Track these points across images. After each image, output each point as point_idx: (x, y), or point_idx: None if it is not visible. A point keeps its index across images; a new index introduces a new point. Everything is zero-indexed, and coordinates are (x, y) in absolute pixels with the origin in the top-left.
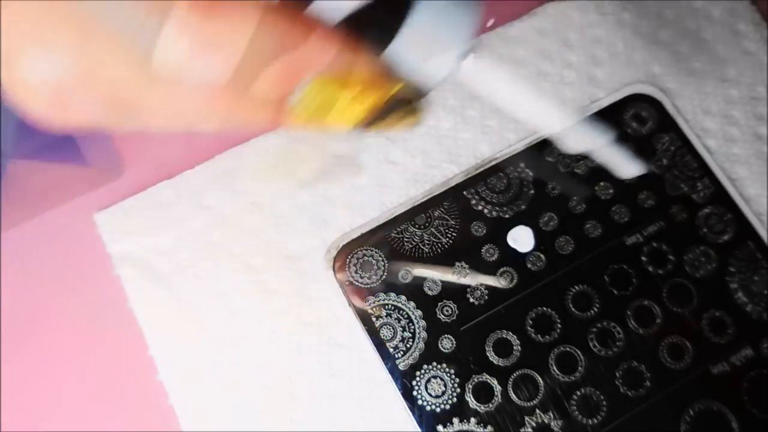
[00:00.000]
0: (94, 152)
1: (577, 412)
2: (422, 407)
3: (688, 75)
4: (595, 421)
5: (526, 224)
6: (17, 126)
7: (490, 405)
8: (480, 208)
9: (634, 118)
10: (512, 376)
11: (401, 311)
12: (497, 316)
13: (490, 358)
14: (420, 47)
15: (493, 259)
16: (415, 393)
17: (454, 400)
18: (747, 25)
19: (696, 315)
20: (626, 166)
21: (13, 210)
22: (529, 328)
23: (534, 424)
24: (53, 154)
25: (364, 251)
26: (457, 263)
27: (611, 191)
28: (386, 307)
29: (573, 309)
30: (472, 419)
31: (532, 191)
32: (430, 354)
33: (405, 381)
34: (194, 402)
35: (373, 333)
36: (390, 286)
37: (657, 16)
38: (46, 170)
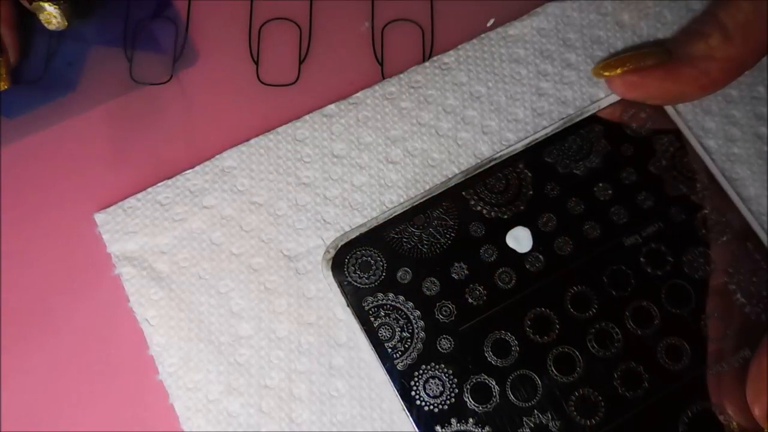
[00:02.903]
0: (169, 41)
1: (575, 413)
2: (420, 407)
3: None
4: (593, 421)
5: (524, 225)
6: (100, 15)
7: (488, 405)
8: (479, 208)
9: (634, 119)
10: (510, 377)
11: (400, 311)
12: (496, 317)
13: (489, 359)
14: None
15: (492, 259)
16: (413, 393)
17: (453, 400)
18: None
19: (694, 316)
20: None
21: (89, 93)
22: (527, 329)
23: (532, 425)
24: (131, 42)
25: (363, 251)
26: (456, 263)
27: (610, 192)
28: (385, 307)
29: (571, 310)
30: (470, 420)
31: (531, 192)
32: (429, 354)
33: (403, 381)
34: (194, 402)
35: (372, 333)
36: (389, 286)
37: (656, 17)
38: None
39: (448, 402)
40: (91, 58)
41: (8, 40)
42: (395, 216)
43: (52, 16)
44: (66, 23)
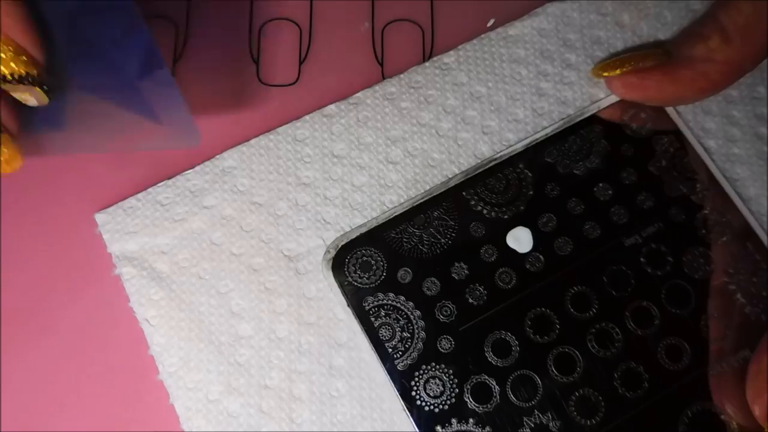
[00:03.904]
0: (168, 113)
1: (575, 413)
2: (421, 407)
3: None
4: (593, 422)
5: (525, 225)
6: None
7: (489, 405)
8: (479, 208)
9: (634, 119)
10: (511, 377)
11: (400, 311)
12: (496, 317)
13: (489, 359)
14: None
15: (492, 259)
16: (413, 393)
17: (453, 400)
18: None
19: (694, 316)
20: None
21: (78, 138)
22: (527, 329)
23: (532, 425)
24: (119, 99)
25: (363, 251)
26: (456, 264)
27: (610, 192)
28: (385, 307)
29: (572, 310)
30: (471, 420)
31: (531, 192)
32: (429, 354)
33: (403, 381)
34: (194, 402)
35: (372, 333)
36: (389, 286)
37: (656, 18)
38: (114, 114)
39: (448, 402)
40: None
41: (6, 118)
42: (395, 216)
43: (30, 99)
44: (46, 101)
